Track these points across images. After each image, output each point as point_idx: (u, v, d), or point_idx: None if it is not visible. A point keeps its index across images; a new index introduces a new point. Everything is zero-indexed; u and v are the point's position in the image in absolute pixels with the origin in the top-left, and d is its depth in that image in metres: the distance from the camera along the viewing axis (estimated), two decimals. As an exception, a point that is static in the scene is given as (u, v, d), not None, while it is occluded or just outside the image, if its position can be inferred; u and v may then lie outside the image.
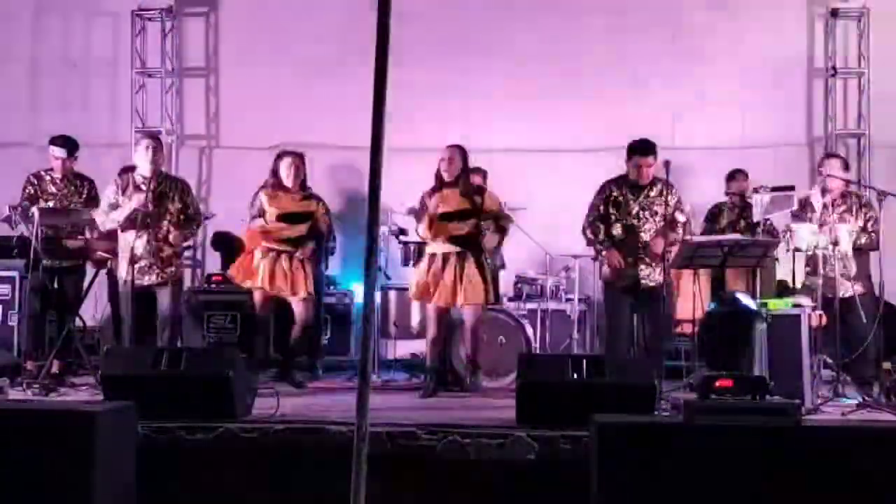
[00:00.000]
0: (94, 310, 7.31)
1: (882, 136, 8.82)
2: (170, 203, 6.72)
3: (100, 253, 7.04)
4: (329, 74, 8.90)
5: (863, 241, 6.66)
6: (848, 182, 6.88)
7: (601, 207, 6.60)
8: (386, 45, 2.45)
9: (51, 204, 7.03)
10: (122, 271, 6.59)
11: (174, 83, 9.51)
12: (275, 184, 6.81)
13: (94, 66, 9.45)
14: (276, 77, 9.13)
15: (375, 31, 2.45)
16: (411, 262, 7.72)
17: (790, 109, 9.05)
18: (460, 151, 6.70)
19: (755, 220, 6.72)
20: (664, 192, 6.52)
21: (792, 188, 6.77)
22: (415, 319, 7.67)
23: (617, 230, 6.55)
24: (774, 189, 6.71)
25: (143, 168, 6.68)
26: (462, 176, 6.67)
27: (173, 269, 6.76)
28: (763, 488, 4.33)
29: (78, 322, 7.10)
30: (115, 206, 6.64)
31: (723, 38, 8.91)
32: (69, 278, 7.01)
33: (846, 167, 6.96)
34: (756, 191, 6.73)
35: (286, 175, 6.78)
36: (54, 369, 6.59)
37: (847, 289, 6.50)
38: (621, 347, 6.51)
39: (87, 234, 7.22)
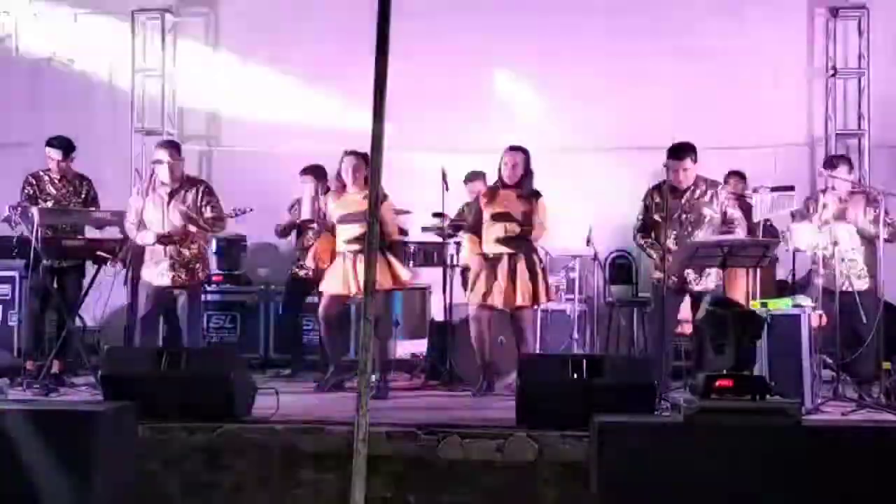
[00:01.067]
0: (94, 310, 7.30)
1: (882, 136, 8.81)
2: (187, 206, 6.77)
3: (100, 252, 7.03)
4: (329, 74, 8.91)
5: (874, 233, 6.56)
6: (854, 184, 6.81)
7: (646, 216, 6.55)
8: (386, 45, 2.46)
9: (49, 204, 7.03)
10: (146, 274, 6.72)
11: (174, 83, 9.51)
12: (339, 186, 6.79)
13: (94, 66, 9.45)
14: (277, 77, 9.13)
15: (375, 31, 2.46)
16: (412, 263, 7.73)
17: (790, 109, 9.04)
18: (524, 155, 6.69)
19: (755, 220, 6.71)
20: (709, 193, 6.44)
21: (792, 188, 6.75)
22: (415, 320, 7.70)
23: (669, 241, 6.40)
24: (774, 189, 6.70)
25: (164, 177, 6.74)
26: (525, 179, 6.67)
27: (193, 272, 6.79)
28: (763, 488, 4.33)
29: (78, 322, 7.10)
30: (139, 216, 6.66)
31: (723, 38, 8.90)
32: (69, 278, 7.01)
33: (851, 168, 6.90)
34: (756, 191, 6.72)
35: (346, 175, 6.73)
36: (54, 369, 6.60)
37: (848, 284, 6.44)
38: (665, 349, 6.38)
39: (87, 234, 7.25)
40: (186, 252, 6.74)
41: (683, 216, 6.41)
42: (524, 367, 5.50)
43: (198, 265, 6.82)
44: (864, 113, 8.92)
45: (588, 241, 7.81)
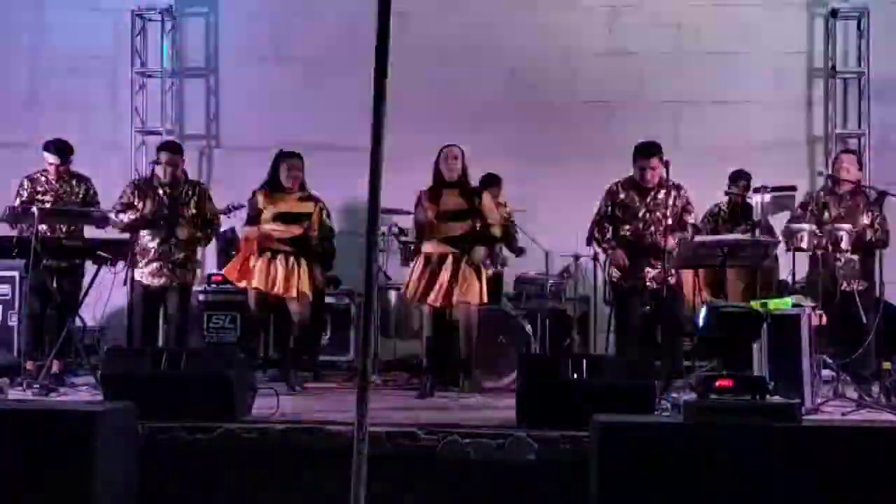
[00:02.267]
0: (94, 310, 7.30)
1: (882, 136, 8.81)
2: (185, 208, 6.82)
3: (100, 252, 7.03)
4: (329, 74, 8.91)
5: (868, 237, 6.56)
6: (858, 182, 6.79)
7: (607, 209, 6.60)
8: (386, 45, 2.45)
9: (47, 205, 7.03)
10: (137, 274, 6.77)
11: (174, 83, 9.51)
12: (273, 184, 6.82)
13: (94, 66, 9.45)
14: (276, 77, 9.13)
15: (375, 32, 2.45)
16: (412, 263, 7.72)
17: (790, 109, 9.04)
18: (460, 151, 6.70)
19: (755, 220, 6.72)
20: (672, 194, 6.50)
21: (792, 188, 6.77)
22: (415, 319, 7.68)
23: (626, 233, 6.53)
24: (774, 189, 6.71)
25: (161, 174, 6.86)
26: (462, 176, 6.68)
27: (184, 272, 6.85)
28: (763, 488, 4.33)
29: (78, 322, 7.09)
30: (129, 206, 6.77)
31: (723, 38, 8.91)
32: (69, 278, 7.02)
33: (860, 165, 6.89)
34: (756, 191, 6.73)
35: (284, 176, 6.78)
36: (54, 369, 6.59)
37: (847, 285, 6.44)
38: (631, 347, 6.45)
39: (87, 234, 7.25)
40: (179, 254, 6.80)
41: (644, 214, 6.44)
42: (524, 367, 5.50)
43: (188, 265, 6.88)
44: (864, 112, 8.92)
45: (588, 241, 7.79)
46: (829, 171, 6.86)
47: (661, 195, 6.49)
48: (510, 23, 9.00)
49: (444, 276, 6.55)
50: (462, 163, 6.68)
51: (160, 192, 6.84)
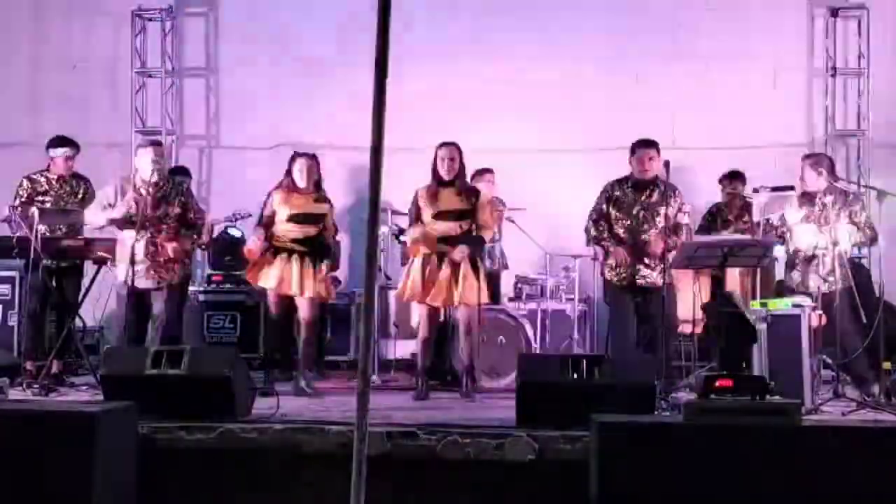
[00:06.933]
0: (94, 310, 7.30)
1: (882, 136, 8.82)
2: (170, 207, 6.73)
3: (100, 252, 7.02)
4: (329, 74, 8.92)
5: (856, 238, 6.52)
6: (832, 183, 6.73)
7: (603, 207, 6.62)
8: (386, 45, 2.45)
9: (48, 205, 7.03)
10: (120, 273, 6.59)
11: (174, 83, 9.52)
12: (288, 185, 6.75)
13: (94, 66, 9.45)
14: (276, 77, 9.14)
15: (375, 31, 2.45)
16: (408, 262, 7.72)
17: (790, 109, 9.05)
18: (458, 150, 6.68)
19: (755, 220, 6.71)
20: (667, 195, 6.51)
21: (792, 188, 6.74)
22: (415, 320, 7.68)
23: (620, 230, 6.57)
24: (774, 189, 6.70)
25: (146, 173, 6.66)
26: (460, 175, 6.68)
27: (171, 273, 6.74)
28: (763, 488, 4.33)
29: (78, 322, 7.09)
30: (110, 206, 6.64)
31: (723, 38, 8.91)
32: (69, 278, 7.00)
33: (815, 164, 6.76)
34: (756, 191, 6.72)
35: (299, 177, 6.71)
36: (54, 369, 6.60)
37: (828, 285, 6.39)
38: (627, 345, 6.46)
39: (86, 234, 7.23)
40: (164, 254, 6.69)
41: (640, 212, 6.45)
42: (524, 367, 5.49)
43: (175, 265, 6.76)
44: (864, 113, 8.93)
45: (588, 242, 7.79)
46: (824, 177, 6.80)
47: (657, 196, 6.49)
48: (509, 22, 8.99)
49: (444, 276, 6.52)
50: (460, 161, 6.66)
51: (142, 192, 6.70)
